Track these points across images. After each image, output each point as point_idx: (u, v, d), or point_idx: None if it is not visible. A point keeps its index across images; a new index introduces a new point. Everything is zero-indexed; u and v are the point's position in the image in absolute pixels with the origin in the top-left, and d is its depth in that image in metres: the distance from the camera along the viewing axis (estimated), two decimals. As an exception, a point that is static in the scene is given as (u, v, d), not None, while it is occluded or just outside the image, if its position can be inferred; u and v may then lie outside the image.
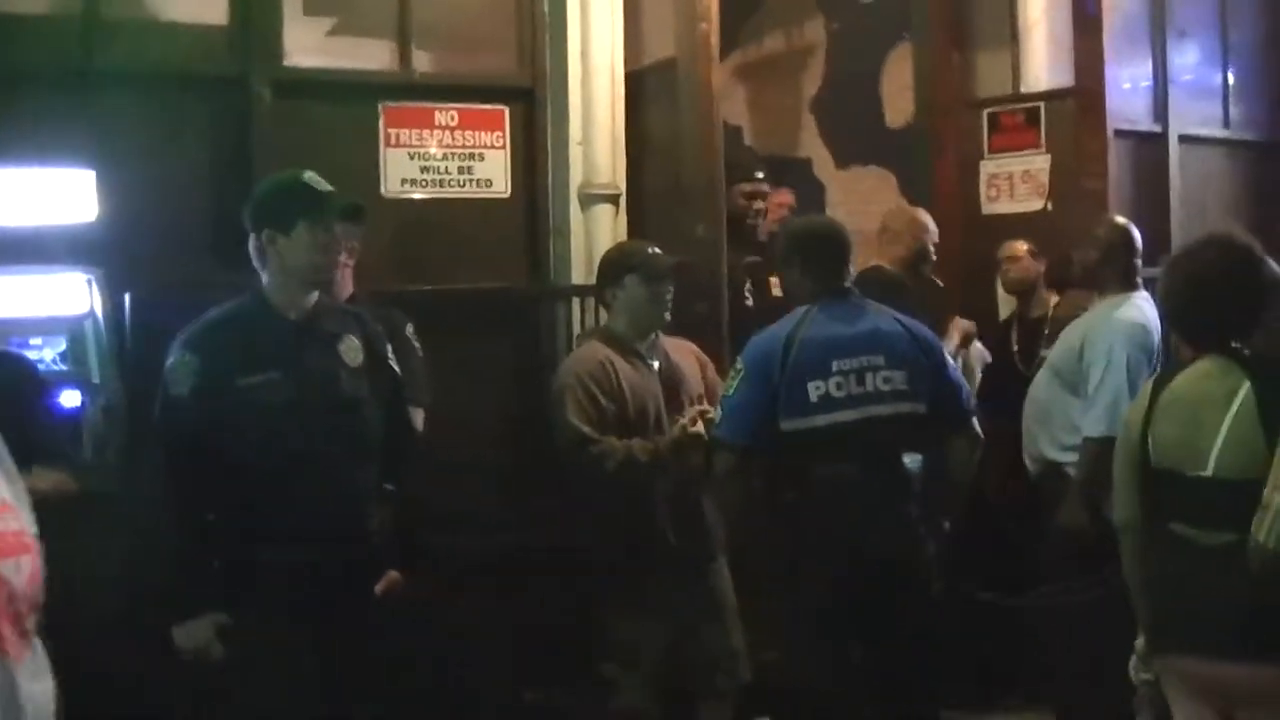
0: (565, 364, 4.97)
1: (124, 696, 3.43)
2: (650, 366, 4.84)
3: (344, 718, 3.88)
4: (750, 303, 6.16)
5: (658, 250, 4.95)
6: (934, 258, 6.28)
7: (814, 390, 4.37)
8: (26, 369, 4.01)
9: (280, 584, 3.79)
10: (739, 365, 4.50)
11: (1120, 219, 5.86)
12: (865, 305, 4.62)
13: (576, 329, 5.78)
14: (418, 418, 4.71)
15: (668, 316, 4.90)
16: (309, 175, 3.91)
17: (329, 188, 3.90)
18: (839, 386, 4.38)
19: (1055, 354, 5.68)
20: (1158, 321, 5.41)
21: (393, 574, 4.06)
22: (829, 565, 4.38)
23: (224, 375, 3.81)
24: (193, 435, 3.81)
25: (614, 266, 4.92)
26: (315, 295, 3.97)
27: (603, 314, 5.22)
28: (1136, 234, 5.65)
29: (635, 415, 4.72)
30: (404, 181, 5.78)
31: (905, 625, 4.50)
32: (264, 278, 3.91)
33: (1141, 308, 5.49)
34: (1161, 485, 3.53)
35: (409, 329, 4.95)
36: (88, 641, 3.02)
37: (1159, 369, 5.24)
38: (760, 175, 6.68)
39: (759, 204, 6.62)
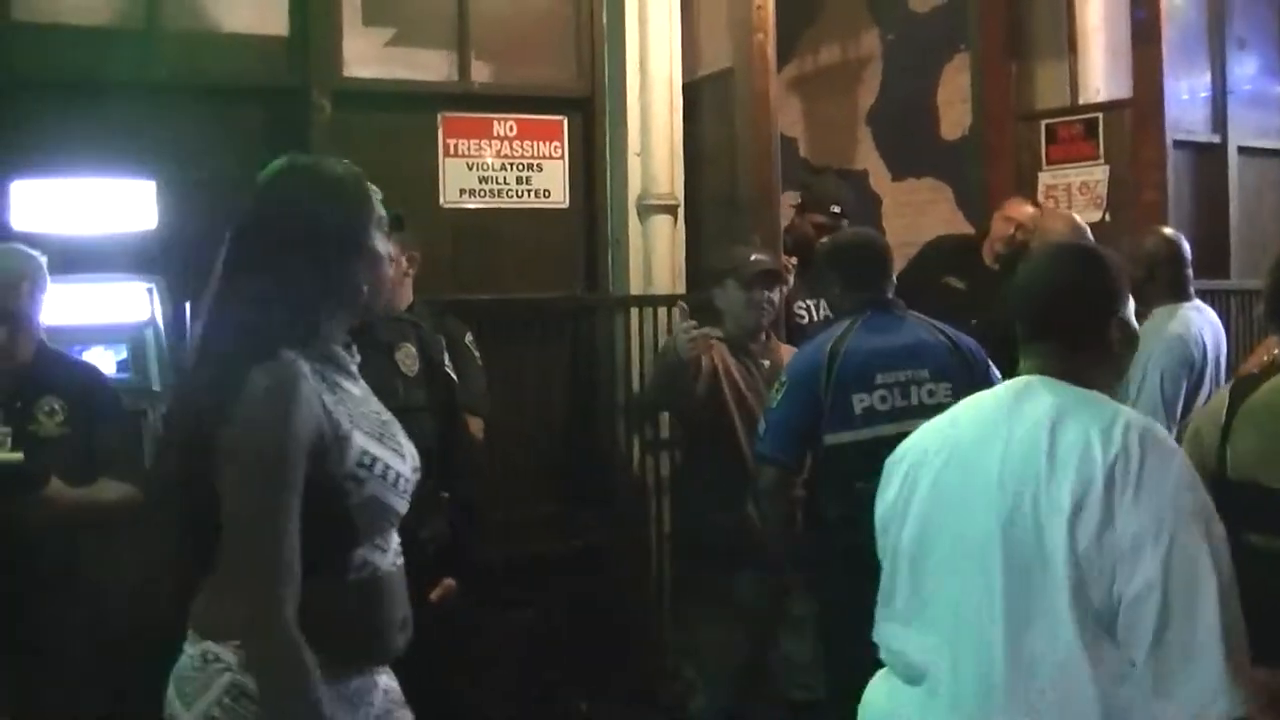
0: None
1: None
2: (760, 366, 4.94)
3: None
4: (804, 320, 6.01)
5: (760, 256, 5.03)
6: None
7: (858, 403, 4.32)
8: (97, 379, 4.02)
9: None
10: (783, 378, 4.44)
11: (1166, 230, 5.76)
12: (908, 316, 4.59)
13: (634, 339, 5.80)
14: (476, 427, 4.72)
15: (765, 321, 5.00)
16: (360, 185, 3.89)
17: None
18: (883, 400, 4.34)
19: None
20: (1203, 332, 5.34)
21: (448, 581, 4.05)
22: (870, 579, 4.36)
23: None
24: None
25: (717, 269, 5.08)
26: (370, 303, 3.95)
27: (662, 327, 5.42)
28: (1184, 244, 5.54)
29: (739, 414, 4.83)
30: (462, 191, 5.80)
31: None
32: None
33: (1186, 319, 5.36)
34: (1239, 496, 3.47)
35: (468, 338, 4.96)
36: (146, 655, 3.01)
37: (1218, 379, 5.23)
38: (837, 210, 6.36)
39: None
